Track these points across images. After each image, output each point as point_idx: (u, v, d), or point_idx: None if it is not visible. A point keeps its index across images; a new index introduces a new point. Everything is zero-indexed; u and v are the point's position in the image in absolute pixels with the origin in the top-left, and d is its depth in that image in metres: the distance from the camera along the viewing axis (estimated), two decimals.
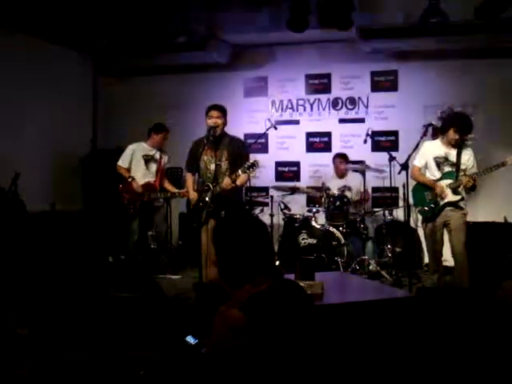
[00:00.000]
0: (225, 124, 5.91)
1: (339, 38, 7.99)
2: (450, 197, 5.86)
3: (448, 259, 6.16)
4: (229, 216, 2.67)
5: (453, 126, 5.85)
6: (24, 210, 7.03)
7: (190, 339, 2.59)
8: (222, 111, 5.89)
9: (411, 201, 6.22)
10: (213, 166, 5.79)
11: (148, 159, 7.36)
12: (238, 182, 5.72)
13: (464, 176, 5.80)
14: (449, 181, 5.88)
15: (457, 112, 5.94)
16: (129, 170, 7.31)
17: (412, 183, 6.15)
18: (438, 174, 5.97)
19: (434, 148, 6.01)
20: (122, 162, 7.34)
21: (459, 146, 5.90)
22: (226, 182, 5.60)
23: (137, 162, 7.33)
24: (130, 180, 7.20)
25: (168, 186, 7.55)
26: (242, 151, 5.90)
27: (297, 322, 2.28)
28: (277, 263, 7.16)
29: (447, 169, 5.90)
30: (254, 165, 5.42)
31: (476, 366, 2.53)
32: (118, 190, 7.29)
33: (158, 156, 7.42)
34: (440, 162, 5.94)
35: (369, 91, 8.57)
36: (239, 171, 5.51)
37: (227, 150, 5.84)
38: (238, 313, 2.16)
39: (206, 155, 5.84)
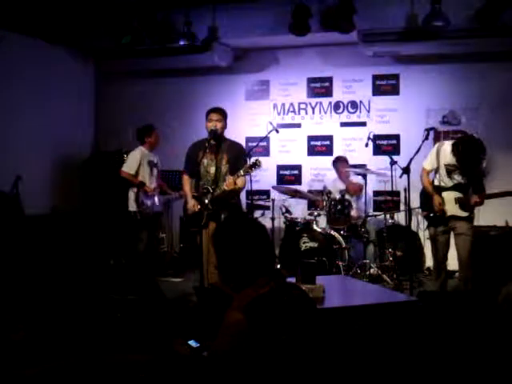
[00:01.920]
0: (225, 127, 5.89)
1: (341, 41, 7.98)
2: (458, 212, 5.72)
3: (450, 263, 6.13)
4: (228, 219, 2.67)
5: (453, 149, 5.70)
6: (22, 213, 7.03)
7: (192, 343, 2.60)
8: (222, 114, 5.86)
9: (418, 204, 6.19)
10: (213, 170, 5.78)
11: (151, 164, 7.39)
12: (238, 184, 5.69)
13: (473, 196, 5.69)
14: (458, 194, 5.73)
15: (463, 139, 5.80)
16: (135, 175, 7.31)
17: (413, 187, 6.08)
18: (448, 183, 5.80)
19: (447, 153, 5.76)
20: (129, 169, 7.30)
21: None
22: (229, 181, 5.54)
23: (144, 169, 7.33)
24: (141, 185, 7.22)
25: (167, 189, 7.62)
26: (241, 155, 5.89)
27: (298, 326, 2.27)
28: (278, 267, 7.17)
29: (457, 178, 5.74)
30: (257, 164, 5.39)
31: (477, 371, 2.52)
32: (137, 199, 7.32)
33: (156, 160, 7.46)
34: (451, 170, 5.75)
35: (370, 95, 8.56)
36: (241, 171, 5.47)
37: (227, 153, 5.82)
38: (239, 315, 2.16)
39: (206, 158, 5.82)
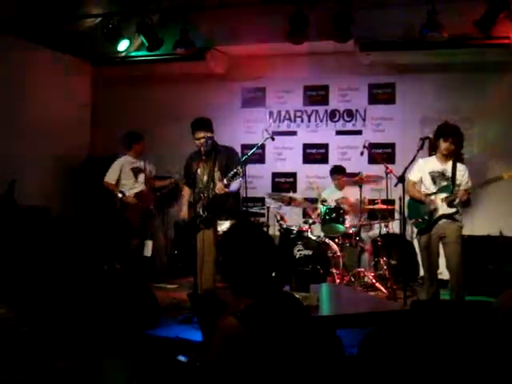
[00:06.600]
0: (213, 136, 5.98)
1: (338, 50, 8.00)
2: (445, 209, 5.82)
3: (443, 272, 6.14)
4: (237, 224, 2.65)
5: (440, 135, 5.88)
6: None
7: (181, 358, 2.59)
8: (206, 128, 5.95)
9: (406, 213, 6.23)
10: (206, 177, 5.92)
11: (136, 171, 7.46)
12: (230, 188, 5.78)
13: (460, 190, 5.79)
14: (445, 194, 5.83)
15: (441, 123, 6.02)
16: (117, 184, 7.38)
17: (407, 196, 6.12)
18: (433, 188, 5.91)
19: (430, 163, 5.99)
20: (110, 178, 7.44)
21: (454, 161, 5.89)
22: (219, 186, 5.68)
23: (126, 176, 7.46)
24: (120, 196, 7.29)
25: (159, 182, 7.69)
26: (233, 160, 5.94)
27: (292, 333, 2.27)
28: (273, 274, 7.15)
29: (443, 183, 5.87)
30: (237, 173, 5.50)
31: (470, 380, 2.52)
32: (122, 214, 7.36)
33: (142, 166, 7.51)
34: (436, 177, 5.91)
35: (366, 103, 8.58)
36: (224, 180, 5.60)
37: (219, 160, 5.94)
38: (233, 321, 2.16)
39: (201, 167, 5.96)
